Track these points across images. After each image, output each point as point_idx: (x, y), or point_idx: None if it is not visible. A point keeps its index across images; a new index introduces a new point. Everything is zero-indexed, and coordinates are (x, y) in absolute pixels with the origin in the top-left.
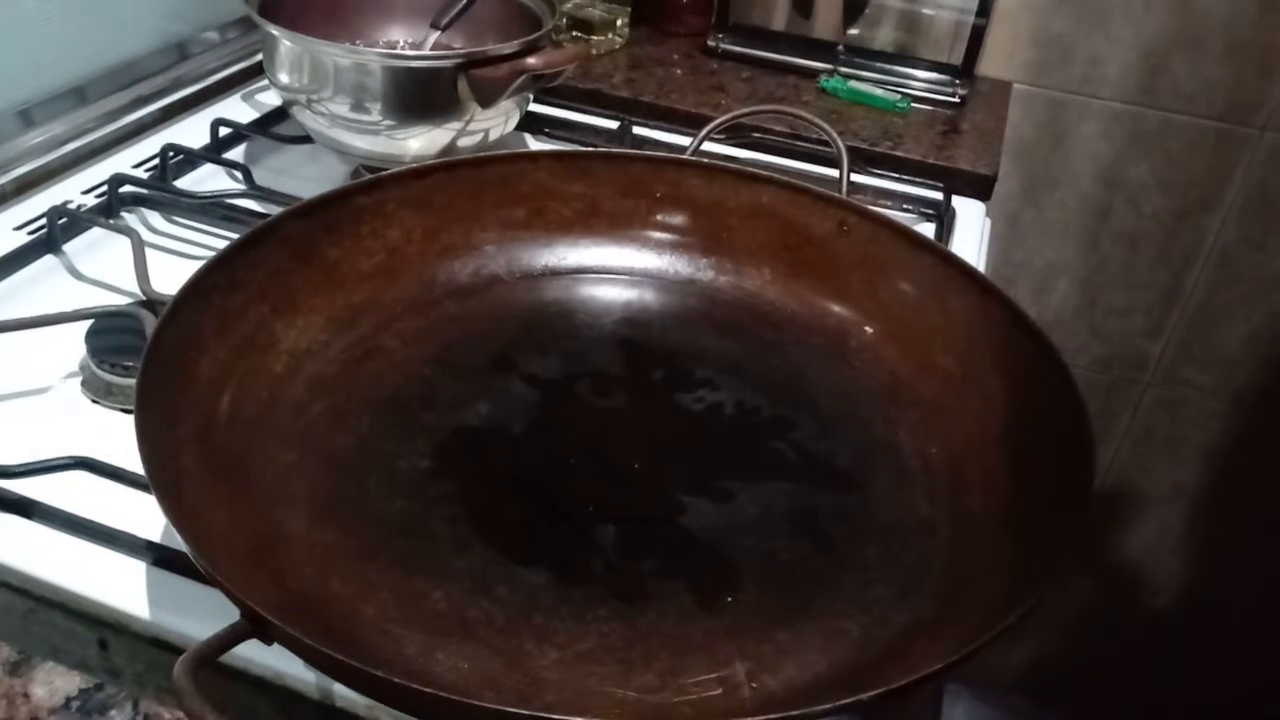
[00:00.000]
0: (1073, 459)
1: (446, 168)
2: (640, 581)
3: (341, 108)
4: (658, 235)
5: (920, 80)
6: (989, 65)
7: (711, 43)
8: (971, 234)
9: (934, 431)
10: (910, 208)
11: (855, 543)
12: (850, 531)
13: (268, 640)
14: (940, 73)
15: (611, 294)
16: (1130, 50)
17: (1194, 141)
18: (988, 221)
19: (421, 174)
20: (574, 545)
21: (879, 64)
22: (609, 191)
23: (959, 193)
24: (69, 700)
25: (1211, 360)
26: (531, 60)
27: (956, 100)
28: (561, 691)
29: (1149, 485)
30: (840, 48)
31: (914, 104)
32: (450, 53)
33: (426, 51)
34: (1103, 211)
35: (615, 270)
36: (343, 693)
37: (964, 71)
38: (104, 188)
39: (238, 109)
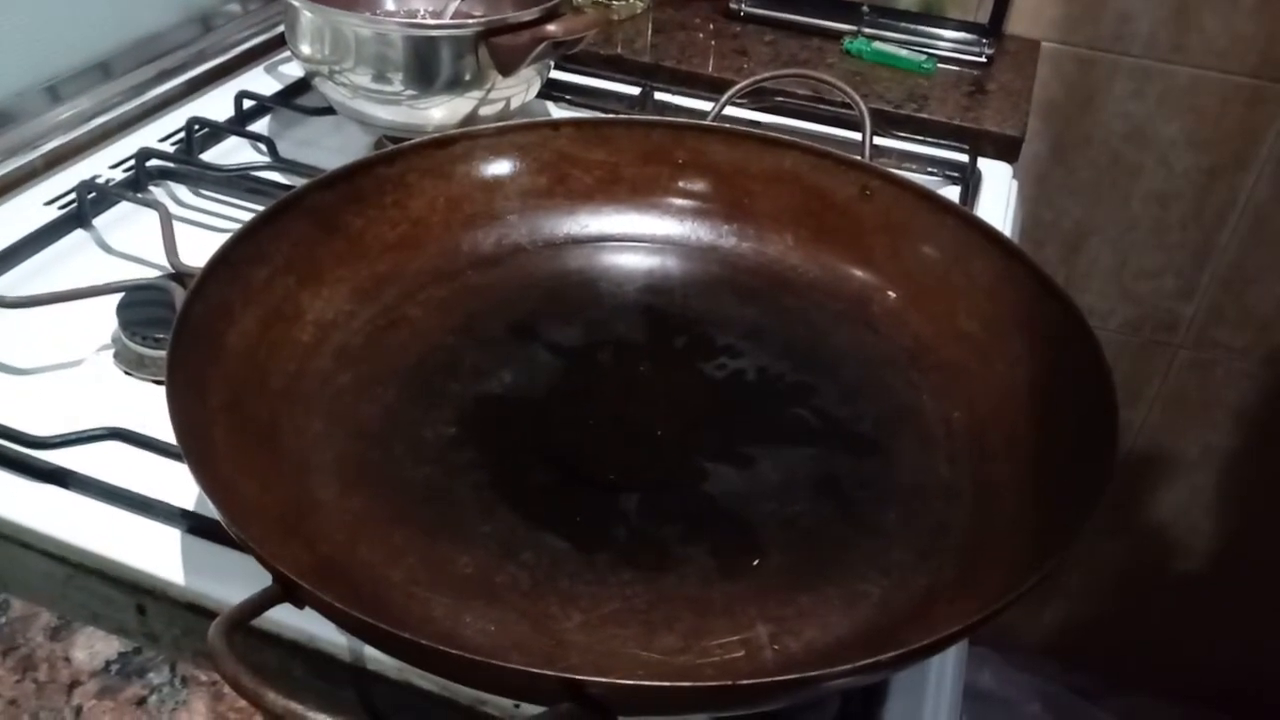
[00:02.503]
0: (1097, 423)
1: (468, 137)
2: (663, 546)
3: (363, 78)
4: (679, 202)
5: (946, 40)
6: (1017, 23)
7: (734, 5)
8: (998, 196)
9: (957, 396)
10: (935, 171)
11: (877, 507)
12: (872, 496)
13: (299, 604)
14: (967, 32)
15: (633, 261)
16: (1161, 6)
17: (1226, 98)
18: (1015, 183)
19: (443, 144)
20: (597, 511)
21: (904, 24)
22: (630, 158)
23: (985, 154)
24: (109, 664)
25: (1244, 321)
26: (552, 27)
27: (983, 60)
28: (586, 653)
29: (1180, 447)
30: (864, 8)
31: (940, 64)
32: (470, 21)
33: (447, 20)
34: (1133, 171)
35: (637, 238)
36: (373, 655)
37: (991, 30)
38: (131, 162)
39: (261, 81)
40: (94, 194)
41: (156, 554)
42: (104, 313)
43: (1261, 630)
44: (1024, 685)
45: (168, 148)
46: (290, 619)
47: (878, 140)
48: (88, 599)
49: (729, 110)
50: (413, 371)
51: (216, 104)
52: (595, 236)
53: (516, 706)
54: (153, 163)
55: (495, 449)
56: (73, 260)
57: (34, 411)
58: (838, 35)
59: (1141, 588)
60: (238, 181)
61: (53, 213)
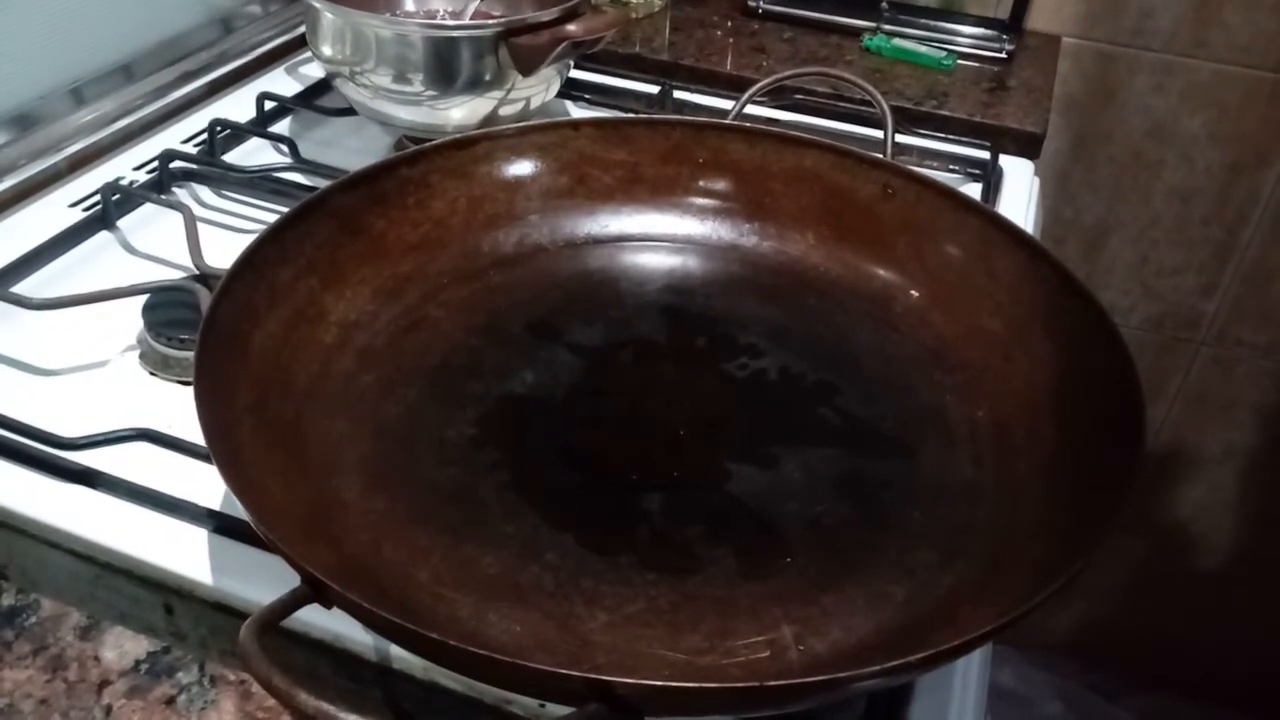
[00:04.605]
0: (1123, 423)
1: (489, 138)
2: (687, 547)
3: (384, 79)
4: (700, 201)
5: (966, 36)
6: (1037, 19)
7: (752, 3)
8: (1019, 193)
9: (980, 395)
10: (956, 168)
11: (901, 507)
12: (896, 496)
13: (327, 604)
14: (987, 28)
15: (654, 261)
16: (1182, 0)
17: (1248, 93)
18: (1036, 180)
19: (464, 144)
20: (620, 511)
21: (923, 20)
22: (651, 158)
23: (1006, 151)
24: (138, 663)
25: (1266, 318)
26: (571, 27)
27: (1004, 56)
28: (611, 653)
29: (1202, 445)
30: (883, 5)
31: (960, 61)
32: (490, 21)
33: (467, 21)
34: (1154, 167)
35: (658, 237)
36: (400, 654)
37: (1011, 26)
38: (155, 164)
39: (282, 82)
40: (118, 196)
41: (183, 554)
42: (129, 314)
43: None
44: (1044, 684)
45: (190, 149)
46: (317, 618)
47: (898, 137)
48: (116, 598)
49: (748, 109)
50: (435, 372)
51: (238, 105)
52: (616, 236)
53: (542, 706)
54: (176, 164)
55: (517, 449)
56: (97, 262)
57: (61, 413)
58: (857, 32)
59: (1162, 586)
60: (260, 183)
61: (77, 215)
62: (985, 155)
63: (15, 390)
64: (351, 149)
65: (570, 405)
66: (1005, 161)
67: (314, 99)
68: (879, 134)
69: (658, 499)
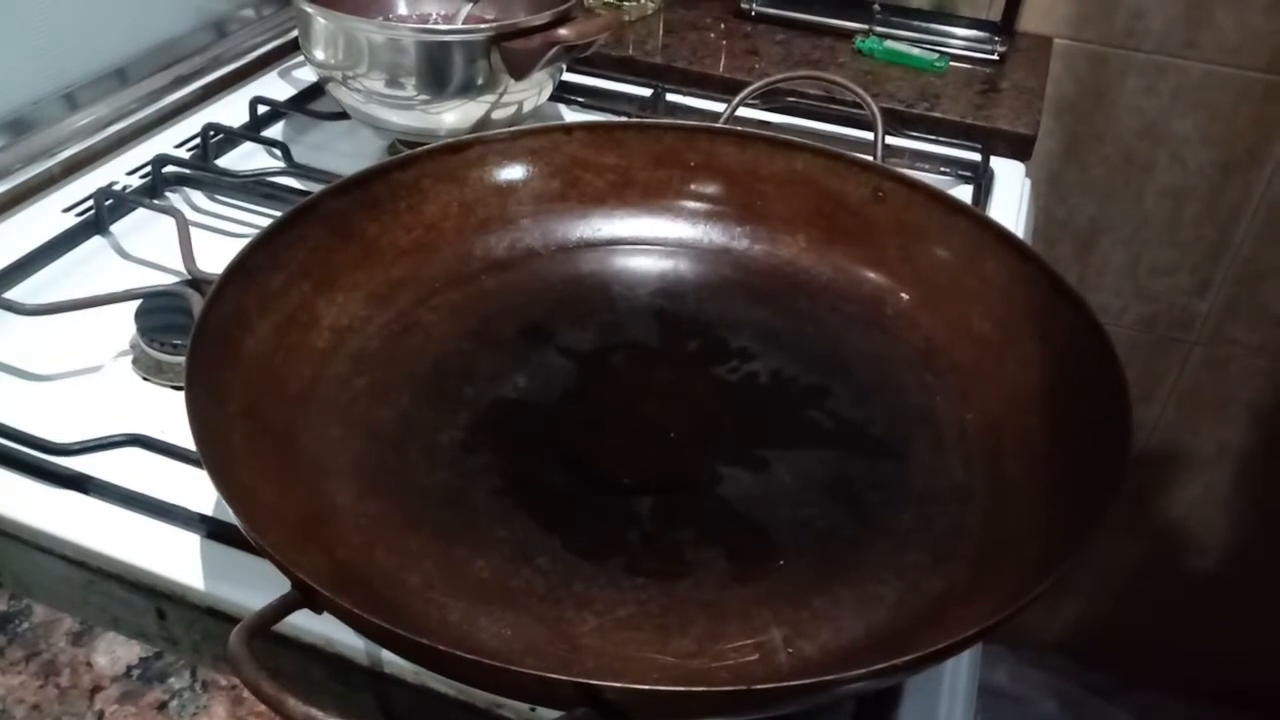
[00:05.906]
0: (1111, 426)
1: (481, 142)
2: (677, 550)
3: (376, 83)
4: (691, 205)
5: (958, 38)
6: (1029, 20)
7: (745, 5)
8: (1011, 195)
9: (970, 398)
10: (948, 170)
11: (891, 509)
12: (886, 498)
13: (317, 610)
14: (979, 30)
15: (646, 265)
16: (1173, 2)
17: (1240, 94)
18: (1027, 182)
19: (456, 149)
20: (612, 515)
21: (915, 22)
22: (642, 162)
23: (998, 153)
24: (130, 669)
25: (1259, 318)
26: (564, 31)
27: (995, 58)
28: (601, 657)
29: (1195, 444)
30: (876, 7)
31: (952, 63)
32: (482, 25)
33: (459, 25)
34: (1146, 168)
35: (649, 241)
36: (391, 659)
37: (1003, 28)
38: (148, 168)
39: (275, 86)
40: (111, 201)
41: (175, 559)
42: (122, 319)
43: (1277, 626)
44: (1039, 683)
45: (183, 154)
46: (308, 623)
47: (890, 140)
48: (108, 603)
49: (740, 111)
50: (427, 376)
51: (231, 109)
52: (608, 240)
53: (533, 710)
54: (169, 169)
55: (510, 453)
56: (90, 267)
57: (53, 418)
58: (849, 34)
59: (1156, 585)
60: (253, 187)
61: (70, 220)
62: (977, 157)
63: (8, 395)
64: (344, 153)
65: (562, 409)
66: (996, 163)
67: (307, 103)
68: (871, 136)
69: (649, 502)
